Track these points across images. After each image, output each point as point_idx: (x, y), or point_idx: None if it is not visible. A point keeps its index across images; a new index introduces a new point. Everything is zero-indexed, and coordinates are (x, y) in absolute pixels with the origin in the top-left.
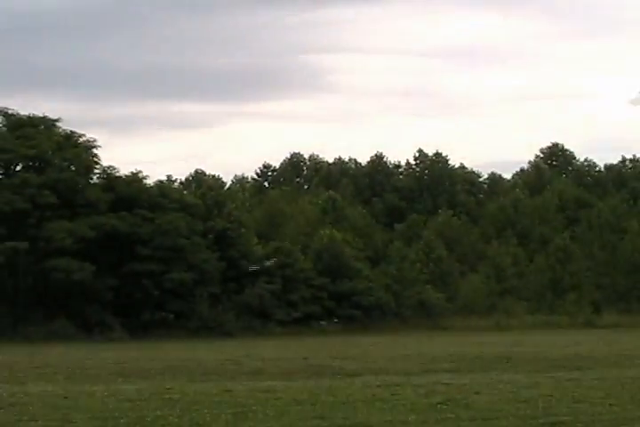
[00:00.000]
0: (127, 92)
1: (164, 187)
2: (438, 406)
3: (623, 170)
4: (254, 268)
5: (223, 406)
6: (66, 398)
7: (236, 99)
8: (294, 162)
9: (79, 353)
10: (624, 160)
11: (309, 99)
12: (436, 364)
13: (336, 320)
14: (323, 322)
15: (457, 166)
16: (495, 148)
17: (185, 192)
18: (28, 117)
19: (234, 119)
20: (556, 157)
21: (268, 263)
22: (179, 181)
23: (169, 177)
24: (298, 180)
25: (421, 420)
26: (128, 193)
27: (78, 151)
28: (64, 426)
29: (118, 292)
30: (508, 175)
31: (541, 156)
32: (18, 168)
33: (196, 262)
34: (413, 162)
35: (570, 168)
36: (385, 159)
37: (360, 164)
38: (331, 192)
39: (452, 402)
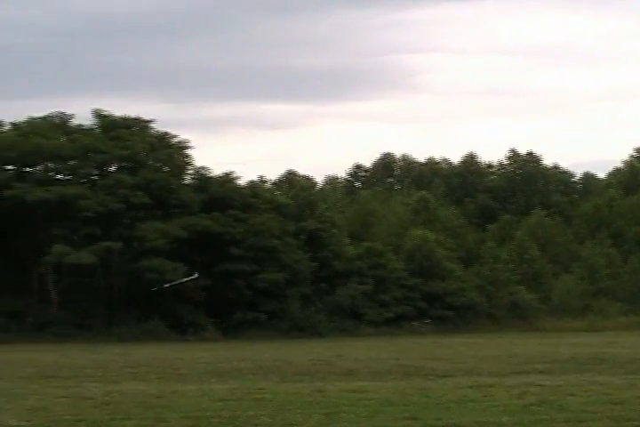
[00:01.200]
0: (218, 93)
1: (257, 187)
2: (531, 407)
3: None
4: (167, 285)
5: (315, 407)
6: (159, 397)
7: (327, 99)
8: (386, 162)
9: (172, 353)
10: None
11: (401, 99)
12: (528, 365)
13: (428, 321)
14: (415, 323)
15: (550, 166)
16: (589, 147)
17: (277, 193)
18: (122, 119)
19: (325, 119)
20: None
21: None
22: (270, 181)
23: (261, 177)
24: (389, 180)
25: (514, 421)
26: (220, 194)
27: (171, 152)
28: (157, 425)
29: (211, 292)
30: (602, 175)
31: (636, 155)
32: (112, 169)
33: (288, 263)
34: (506, 162)
35: None
36: (477, 159)
37: (452, 164)
38: (422, 192)
39: (545, 404)
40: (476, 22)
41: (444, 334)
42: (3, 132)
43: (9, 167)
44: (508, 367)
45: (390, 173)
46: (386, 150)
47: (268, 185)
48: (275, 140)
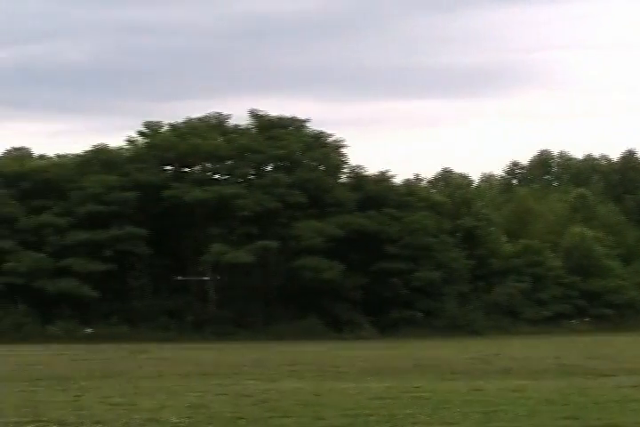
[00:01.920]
0: (372, 91)
1: (412, 185)
2: None
3: None
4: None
5: (473, 405)
6: (317, 395)
7: (481, 96)
8: (543, 159)
9: (329, 351)
10: None
11: (557, 95)
12: None
13: (587, 319)
14: (573, 321)
15: None
16: None
17: (432, 191)
18: (278, 118)
19: (480, 117)
20: None
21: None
22: (426, 179)
23: (416, 176)
24: (546, 177)
25: None
26: (376, 192)
27: (326, 151)
28: (315, 423)
29: (367, 290)
30: None
31: None
32: (268, 168)
33: (444, 261)
34: None
35: None
36: (637, 155)
37: (611, 160)
38: (581, 189)
39: None
40: (628, 15)
41: (603, 332)
42: (161, 134)
43: (168, 168)
44: None
45: (547, 169)
46: (543, 147)
47: (423, 183)
48: (434, 138)
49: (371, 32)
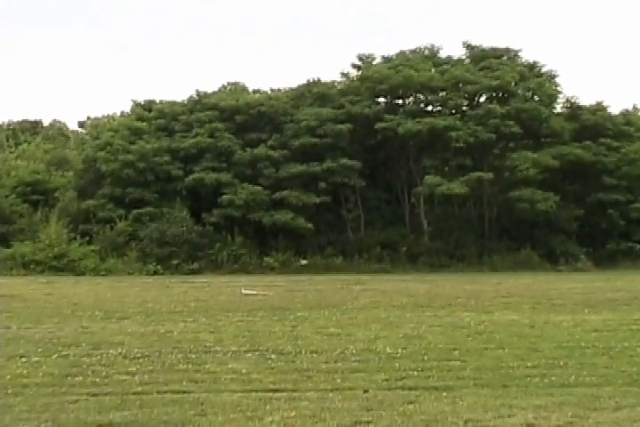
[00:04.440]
0: (585, 20)
1: (630, 115)
2: None
3: None
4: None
5: None
6: (532, 327)
7: None
8: None
9: (544, 283)
10: None
11: None
12: None
13: None
14: None
15: None
16: None
17: None
18: (491, 49)
19: None
20: None
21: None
22: None
23: (634, 105)
24: None
25: None
26: (592, 122)
27: (541, 81)
28: (530, 355)
29: (583, 222)
30: None
31: None
32: (481, 99)
33: None
34: None
35: None
36: None
37: None
38: None
39: None
40: None
41: None
42: (374, 66)
43: (381, 100)
44: None
45: None
46: None
47: None
48: None
49: None
